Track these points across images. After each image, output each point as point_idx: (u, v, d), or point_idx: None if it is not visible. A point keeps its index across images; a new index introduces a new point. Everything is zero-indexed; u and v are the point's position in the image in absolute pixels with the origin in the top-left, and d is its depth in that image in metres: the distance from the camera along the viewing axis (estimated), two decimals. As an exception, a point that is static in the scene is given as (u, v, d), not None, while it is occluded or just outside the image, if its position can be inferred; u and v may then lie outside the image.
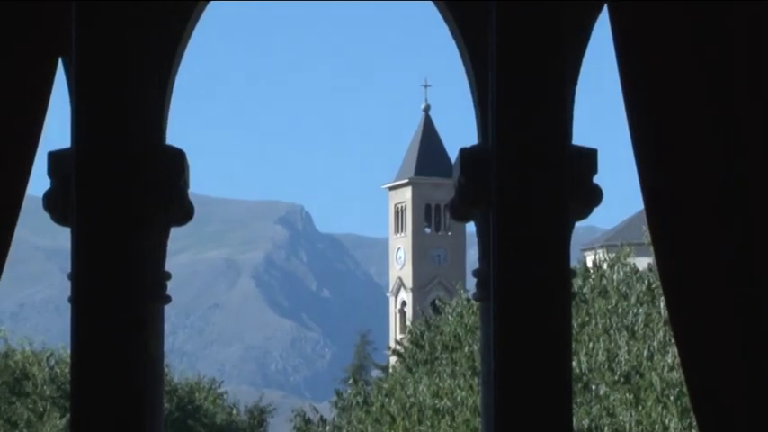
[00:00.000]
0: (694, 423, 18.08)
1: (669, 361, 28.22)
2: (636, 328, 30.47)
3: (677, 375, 26.61)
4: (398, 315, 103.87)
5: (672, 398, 28.51)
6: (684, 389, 22.90)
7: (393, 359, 45.91)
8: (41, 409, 45.99)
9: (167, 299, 6.77)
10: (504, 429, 6.44)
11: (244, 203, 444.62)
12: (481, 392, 7.06)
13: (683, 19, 6.06)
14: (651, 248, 6.35)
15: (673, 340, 25.92)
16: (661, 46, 6.04)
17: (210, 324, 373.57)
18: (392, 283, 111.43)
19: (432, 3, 7.01)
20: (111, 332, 6.43)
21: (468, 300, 36.61)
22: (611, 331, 30.65)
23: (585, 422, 27.80)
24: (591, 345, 29.73)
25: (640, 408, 28.85)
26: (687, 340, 6.04)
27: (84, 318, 6.44)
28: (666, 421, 28.45)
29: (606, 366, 29.87)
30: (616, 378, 29.58)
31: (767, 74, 6.05)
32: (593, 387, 29.06)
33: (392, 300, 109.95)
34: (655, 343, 29.82)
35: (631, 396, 29.15)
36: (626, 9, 6.12)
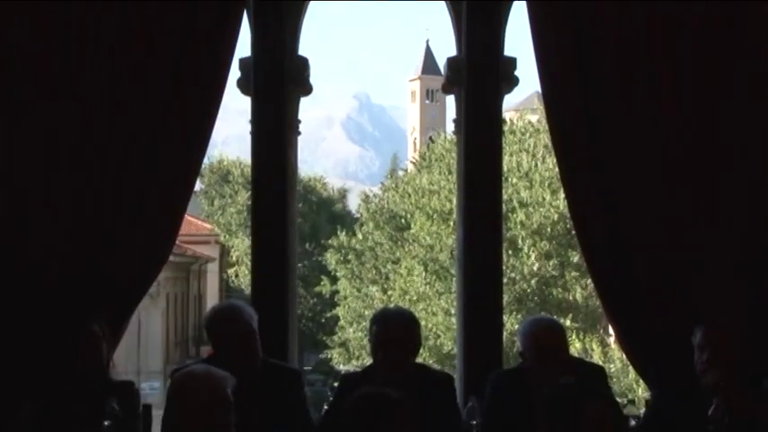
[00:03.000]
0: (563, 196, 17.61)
1: (549, 165, 28.03)
2: (528, 147, 30.35)
3: (554, 174, 26.50)
4: (413, 144, 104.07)
5: (546, 184, 28.38)
6: (558, 179, 22.72)
7: (410, 166, 45.69)
8: (236, 189, 46.16)
9: (299, 133, 6.65)
10: (468, 195, 6.35)
11: (334, 88, 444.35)
12: (456, 179, 6.92)
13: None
14: (540, 110, 6.21)
15: (551, 152, 25.98)
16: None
17: (319, 146, 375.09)
18: (409, 128, 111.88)
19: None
20: (270, 148, 6.33)
21: (446, 137, 36.40)
22: (517, 150, 30.48)
23: (504, 197, 27.80)
24: (506, 158, 29.67)
25: (532, 189, 28.71)
26: (560, 150, 5.99)
27: (257, 142, 6.34)
28: (546, 196, 28.32)
29: (516, 168, 29.68)
30: (520, 174, 29.39)
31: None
32: (509, 179, 28.78)
33: (410, 137, 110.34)
34: (540, 155, 29.69)
35: (528, 183, 29.01)
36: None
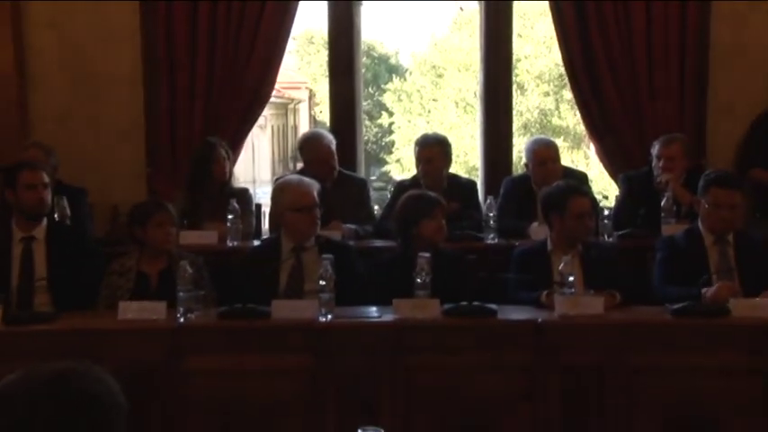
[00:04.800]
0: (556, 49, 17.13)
1: (545, 27, 26.88)
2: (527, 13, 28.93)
3: (547, 34, 25.48)
4: (448, 12, 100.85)
5: (543, 41, 27.41)
6: (551, 38, 21.79)
7: (445, 29, 44.22)
8: (318, 49, 44.61)
9: (362, 3, 6.42)
10: (487, 49, 6.13)
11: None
12: (479, 38, 6.66)
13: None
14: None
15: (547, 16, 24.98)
16: None
17: (379, 14, 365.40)
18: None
19: None
20: (342, 17, 6.11)
21: (472, 7, 34.95)
22: (522, 15, 28.98)
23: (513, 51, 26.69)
24: (515, 21, 28.24)
25: (533, 46, 27.74)
26: (557, 16, 5.83)
27: (332, 12, 6.08)
28: (543, 50, 27.49)
29: (521, 29, 28.47)
30: (517, 33, 28.14)
31: None
32: (516, 38, 27.57)
33: (445, 6, 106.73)
34: (538, 18, 28.51)
35: (530, 41, 28.00)
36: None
